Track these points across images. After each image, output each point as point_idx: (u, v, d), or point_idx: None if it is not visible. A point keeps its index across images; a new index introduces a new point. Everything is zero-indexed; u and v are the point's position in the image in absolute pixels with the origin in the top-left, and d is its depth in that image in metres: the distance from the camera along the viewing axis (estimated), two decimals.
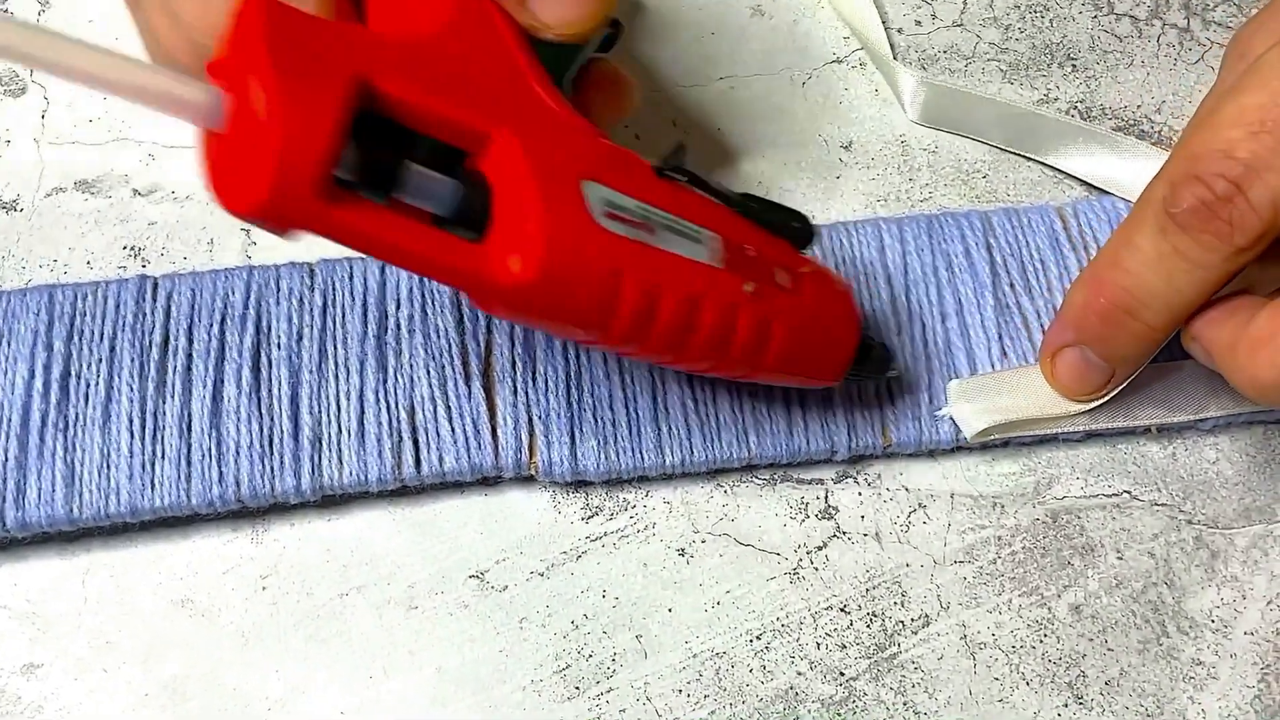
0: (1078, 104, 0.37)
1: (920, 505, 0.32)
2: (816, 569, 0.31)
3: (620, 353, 0.26)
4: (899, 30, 0.39)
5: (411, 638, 0.30)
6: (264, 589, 0.31)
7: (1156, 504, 0.32)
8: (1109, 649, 0.30)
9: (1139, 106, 0.37)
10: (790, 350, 0.27)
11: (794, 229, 0.28)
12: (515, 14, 0.25)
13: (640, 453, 0.31)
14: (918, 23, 0.39)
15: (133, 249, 0.34)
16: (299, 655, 0.30)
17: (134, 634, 0.30)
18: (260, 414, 0.31)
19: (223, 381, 0.31)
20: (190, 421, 0.31)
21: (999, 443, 0.32)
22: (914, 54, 0.38)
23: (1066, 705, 0.30)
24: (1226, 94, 0.26)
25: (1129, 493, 0.32)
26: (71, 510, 0.30)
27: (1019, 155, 0.36)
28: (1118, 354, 0.29)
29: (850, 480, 0.32)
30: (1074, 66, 0.38)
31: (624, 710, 0.30)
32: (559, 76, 0.27)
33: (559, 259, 0.23)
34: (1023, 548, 0.31)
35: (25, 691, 0.30)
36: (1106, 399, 0.31)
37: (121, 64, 0.20)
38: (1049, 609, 0.31)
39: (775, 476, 0.32)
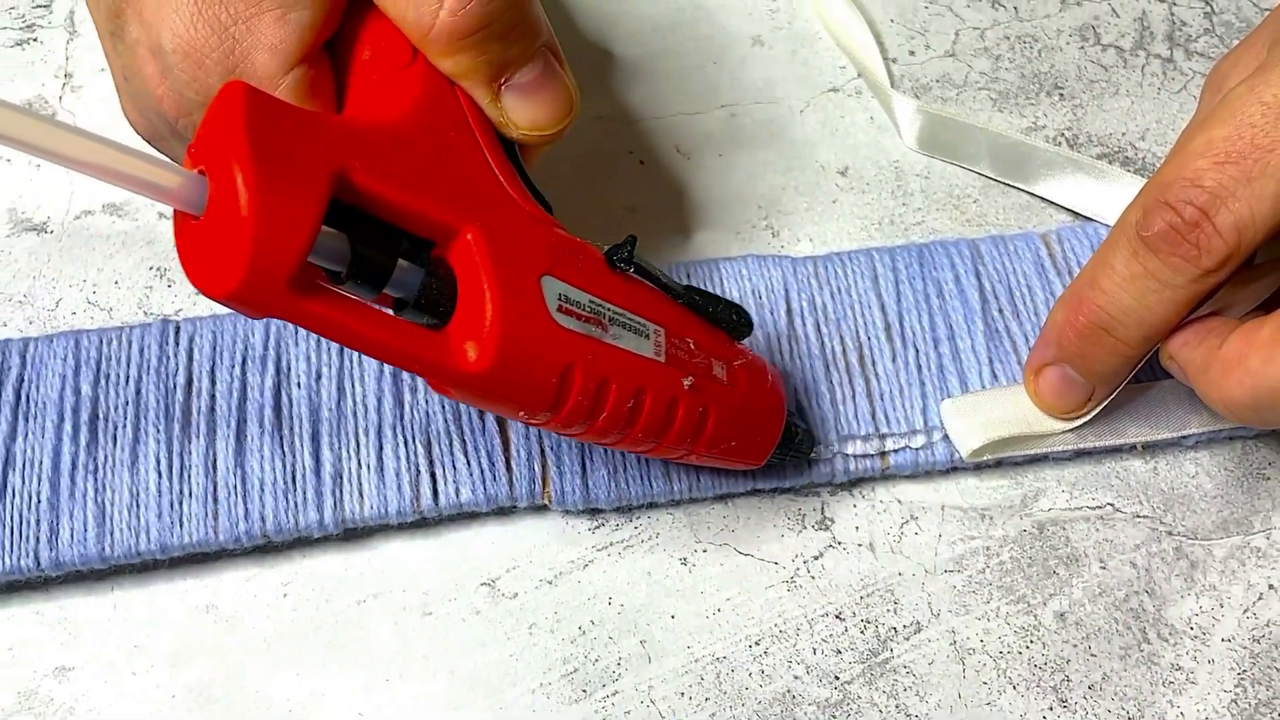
0: (1064, 131, 0.39)
1: (912, 517, 0.33)
2: (813, 577, 0.33)
3: (565, 434, 0.27)
4: (894, 60, 0.40)
5: (426, 643, 0.32)
6: (285, 596, 0.32)
7: (1139, 516, 0.33)
8: (1092, 655, 0.32)
9: (1124, 134, 0.39)
10: (722, 436, 0.28)
11: (733, 321, 0.29)
12: (487, 110, 0.27)
13: (649, 480, 0.33)
14: (911, 53, 0.40)
15: (159, 269, 0.36)
16: (318, 659, 0.31)
17: (161, 639, 0.32)
18: (283, 451, 0.32)
19: (245, 421, 0.32)
20: (215, 460, 0.32)
21: (991, 463, 0.34)
22: (908, 82, 0.40)
23: (1051, 709, 0.31)
24: (1198, 126, 0.28)
25: (1112, 505, 0.34)
26: (103, 549, 0.31)
27: (1008, 185, 0.38)
28: (1096, 370, 0.30)
29: (846, 493, 0.34)
30: (1061, 95, 0.40)
31: (629, 712, 0.31)
32: (523, 167, 0.28)
33: (513, 351, 0.24)
34: (1010, 558, 0.33)
35: (57, 693, 0.31)
36: (1089, 417, 0.32)
37: (103, 149, 0.20)
38: (1035, 616, 0.32)
39: (774, 489, 0.34)
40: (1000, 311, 0.35)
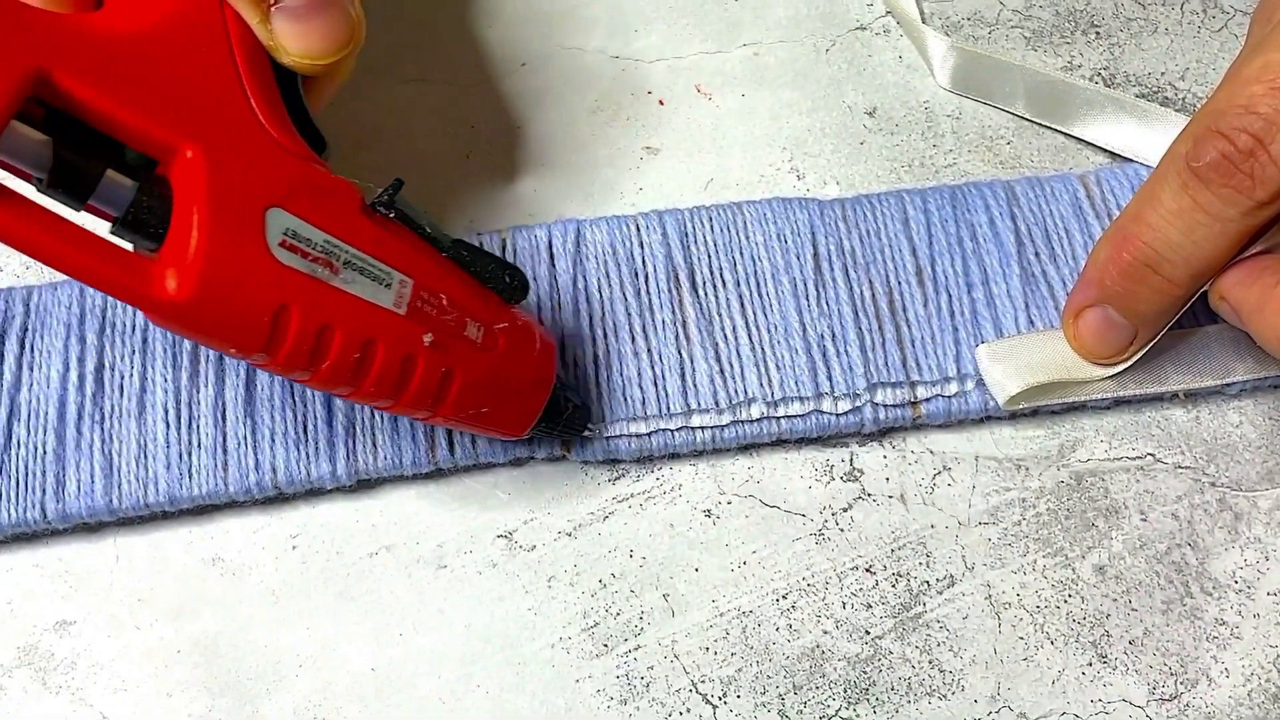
0: (1101, 71, 0.37)
1: (945, 468, 0.32)
2: (842, 530, 0.31)
3: (293, 379, 0.25)
4: None
5: (441, 596, 0.30)
6: (294, 548, 0.31)
7: (1180, 467, 0.32)
8: (1133, 609, 0.31)
9: (1163, 74, 0.38)
10: (470, 401, 0.27)
11: (505, 283, 0.27)
12: (256, 31, 0.24)
13: (671, 432, 0.31)
14: None
15: None
16: (329, 613, 0.30)
17: (165, 592, 0.30)
18: (294, 401, 0.31)
19: (255, 370, 0.31)
20: (224, 410, 0.31)
21: (1027, 412, 0.32)
22: (937, 21, 0.38)
23: (1090, 664, 0.30)
24: (1252, 51, 0.26)
25: (1153, 455, 0.32)
26: (111, 501, 0.30)
27: (1043, 126, 0.36)
28: (1140, 311, 0.29)
29: (875, 443, 0.32)
30: (1097, 34, 0.38)
31: (651, 667, 0.30)
32: (302, 100, 0.26)
33: (217, 282, 0.22)
34: (1047, 509, 0.32)
35: (58, 648, 0.30)
36: (1130, 363, 0.31)
37: None
38: (1073, 570, 0.31)
39: (802, 439, 0.32)
40: (1036, 255, 0.33)
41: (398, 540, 0.31)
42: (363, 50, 0.36)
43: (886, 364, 0.32)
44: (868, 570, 0.31)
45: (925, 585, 0.31)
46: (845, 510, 0.32)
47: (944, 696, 0.30)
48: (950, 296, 0.33)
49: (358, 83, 0.36)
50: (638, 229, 0.33)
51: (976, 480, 0.32)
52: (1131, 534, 0.31)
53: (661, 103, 0.37)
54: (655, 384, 0.31)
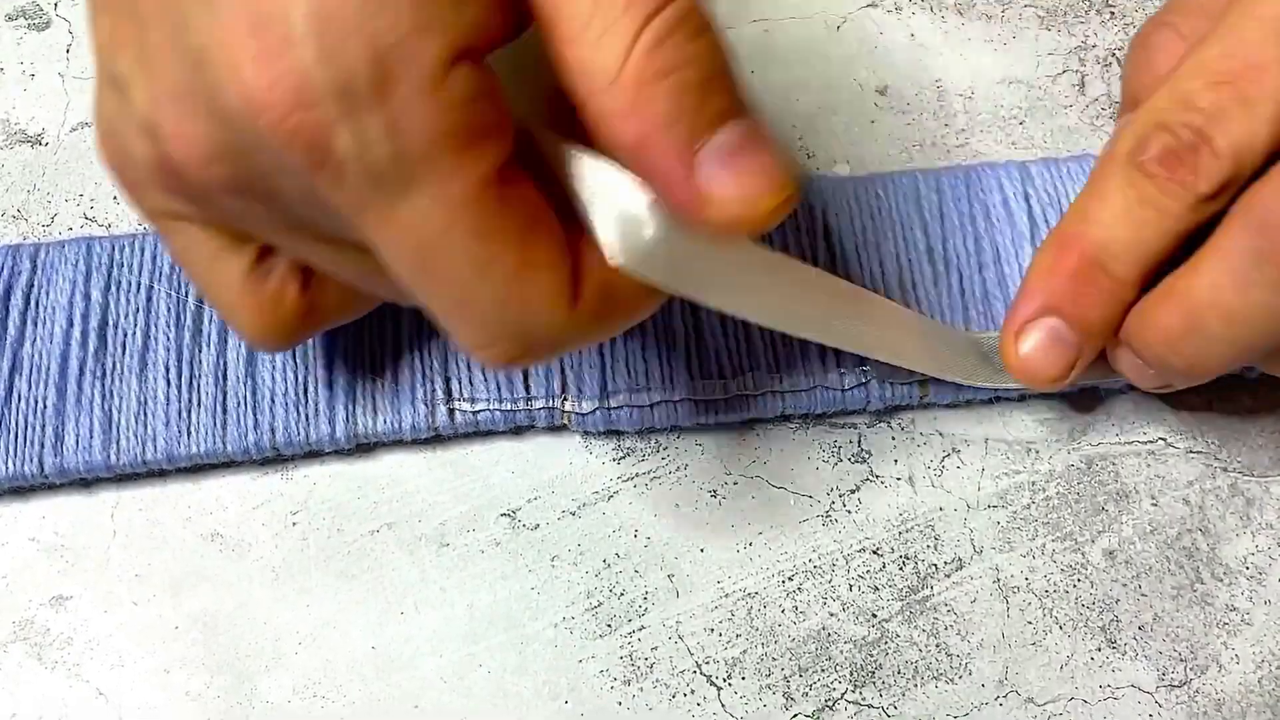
0: (1115, 51, 0.37)
1: (954, 450, 0.32)
2: (849, 512, 0.31)
3: None
4: None
5: (443, 575, 0.30)
6: (294, 524, 0.31)
7: (1192, 451, 0.32)
8: (1143, 594, 0.30)
9: None
10: None
11: None
12: (675, 190, 0.20)
13: (674, 405, 0.31)
14: None
15: None
16: (329, 591, 0.30)
17: (163, 567, 0.30)
18: (295, 363, 0.31)
19: None
20: (226, 370, 0.30)
21: (1035, 393, 0.32)
22: None
23: (1100, 649, 0.30)
24: (1192, 50, 0.26)
25: (1164, 440, 0.32)
26: (109, 457, 0.30)
27: (1058, 96, 0.36)
28: (1088, 318, 0.27)
29: (884, 424, 0.32)
30: (1112, 13, 0.38)
31: (656, 648, 0.29)
32: None
33: None
34: (1057, 493, 0.31)
35: (54, 623, 0.30)
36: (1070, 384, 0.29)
37: None
38: (1083, 554, 0.31)
39: (808, 420, 0.32)
40: None
41: (399, 518, 0.31)
42: None
43: None
44: (875, 552, 0.31)
45: (933, 568, 0.30)
46: (853, 492, 0.31)
47: (951, 680, 0.29)
48: (961, 275, 0.32)
49: None
50: None
51: (985, 463, 0.32)
52: (1142, 519, 0.31)
53: None
54: (659, 355, 0.31)
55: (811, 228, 0.32)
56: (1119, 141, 0.27)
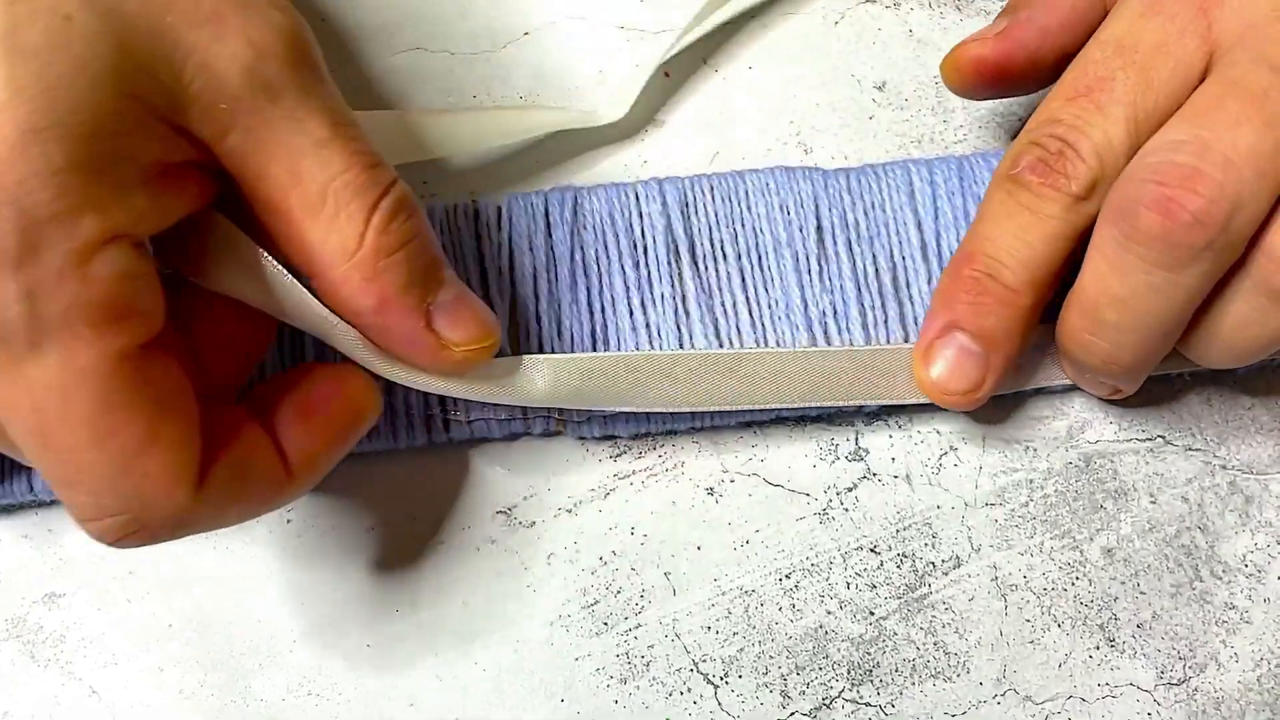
0: None
1: (952, 448, 0.32)
2: (846, 510, 0.31)
3: None
4: None
5: (438, 572, 0.30)
6: (289, 521, 0.30)
7: (1191, 449, 0.32)
8: (1141, 592, 0.30)
9: None
10: None
11: None
12: (418, 339, 0.25)
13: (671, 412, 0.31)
14: None
15: None
16: (324, 588, 0.30)
17: (157, 565, 0.30)
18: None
19: None
20: None
21: (1031, 392, 0.32)
22: None
23: (1098, 647, 0.30)
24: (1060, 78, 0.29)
25: (1163, 437, 0.32)
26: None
27: None
28: (989, 328, 0.28)
29: (881, 422, 0.32)
30: None
31: (652, 646, 0.29)
32: None
33: None
34: (1055, 491, 0.31)
35: (47, 621, 0.29)
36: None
37: None
38: (1081, 552, 0.30)
39: (805, 418, 0.32)
40: None
41: (394, 515, 0.31)
42: (359, 18, 0.35)
43: (889, 341, 0.31)
44: (872, 550, 0.30)
45: (931, 566, 0.30)
46: (850, 490, 0.31)
47: (949, 678, 0.29)
48: None
49: (353, 52, 0.35)
50: (637, 198, 0.32)
51: (983, 461, 0.31)
52: (1140, 516, 0.31)
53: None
54: None
55: (804, 223, 0.32)
56: (1000, 163, 0.29)
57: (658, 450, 0.31)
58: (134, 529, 0.22)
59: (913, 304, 0.32)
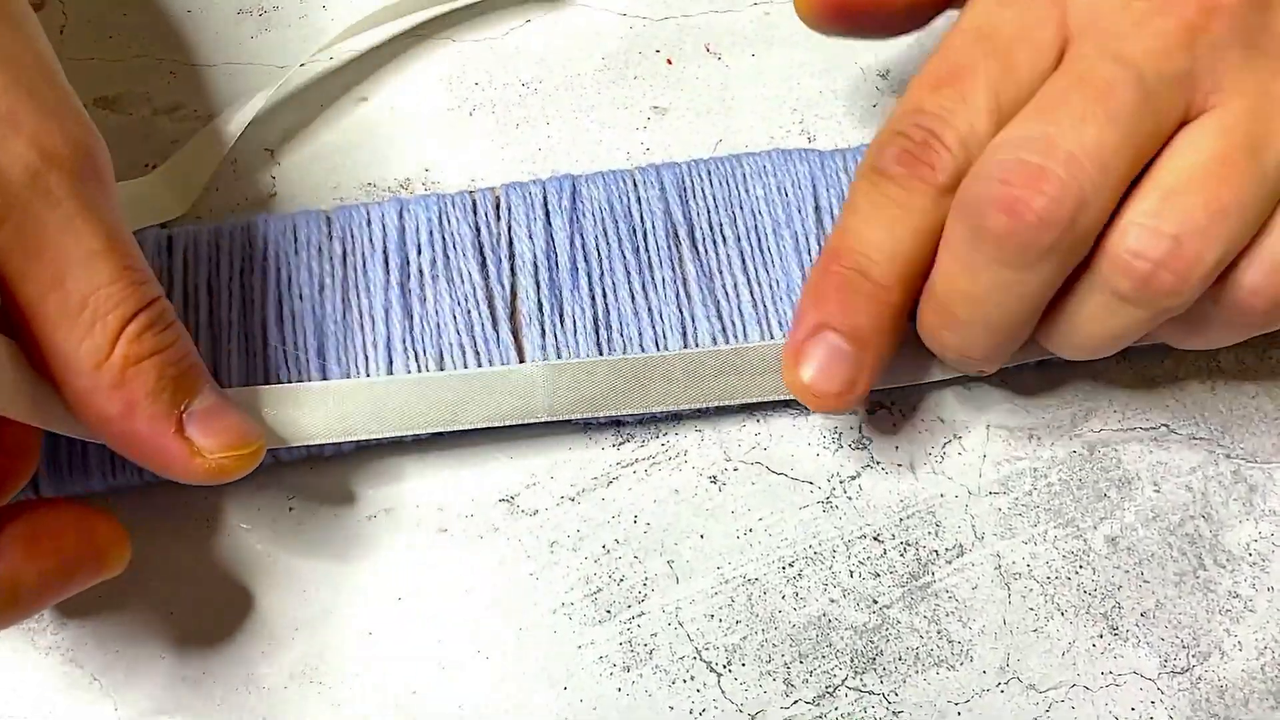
0: None
1: (955, 436, 0.32)
2: (850, 498, 0.31)
3: None
4: None
5: (441, 560, 0.30)
6: (290, 510, 0.30)
7: (1195, 438, 0.32)
8: (1145, 581, 0.30)
9: None
10: None
11: None
12: (168, 444, 0.25)
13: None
14: None
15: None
16: (326, 576, 0.30)
17: (158, 553, 0.30)
18: (287, 366, 0.30)
19: (247, 336, 0.30)
20: (216, 373, 0.30)
21: (1032, 379, 0.32)
22: None
23: (1101, 636, 0.30)
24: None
25: (1167, 426, 0.32)
26: (104, 473, 0.29)
27: None
28: (860, 326, 0.27)
29: (885, 411, 0.32)
30: None
31: (655, 634, 0.29)
32: None
33: None
34: (1059, 479, 0.31)
35: (46, 611, 0.29)
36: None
37: None
38: (1085, 540, 0.30)
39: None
40: None
41: (397, 503, 0.30)
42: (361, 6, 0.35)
43: None
44: (876, 539, 0.30)
45: (934, 555, 0.30)
46: (853, 478, 0.31)
47: (952, 667, 0.29)
48: None
49: (354, 41, 0.35)
50: (635, 184, 0.32)
51: (987, 449, 0.31)
52: (1144, 505, 0.31)
53: (670, 62, 0.36)
54: (656, 344, 0.31)
55: (802, 204, 0.32)
56: (865, 154, 0.28)
57: (661, 439, 0.31)
58: None
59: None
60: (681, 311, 0.31)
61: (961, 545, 0.30)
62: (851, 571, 0.30)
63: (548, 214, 0.32)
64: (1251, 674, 0.29)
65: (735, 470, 0.31)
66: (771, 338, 0.31)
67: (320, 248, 0.31)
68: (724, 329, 0.31)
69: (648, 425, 0.31)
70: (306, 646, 0.29)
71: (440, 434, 0.31)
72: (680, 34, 0.36)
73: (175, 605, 0.29)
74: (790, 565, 0.30)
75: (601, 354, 0.30)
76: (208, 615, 0.29)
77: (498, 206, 0.32)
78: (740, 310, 0.31)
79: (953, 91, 0.26)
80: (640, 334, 0.31)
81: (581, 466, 0.31)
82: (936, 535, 0.30)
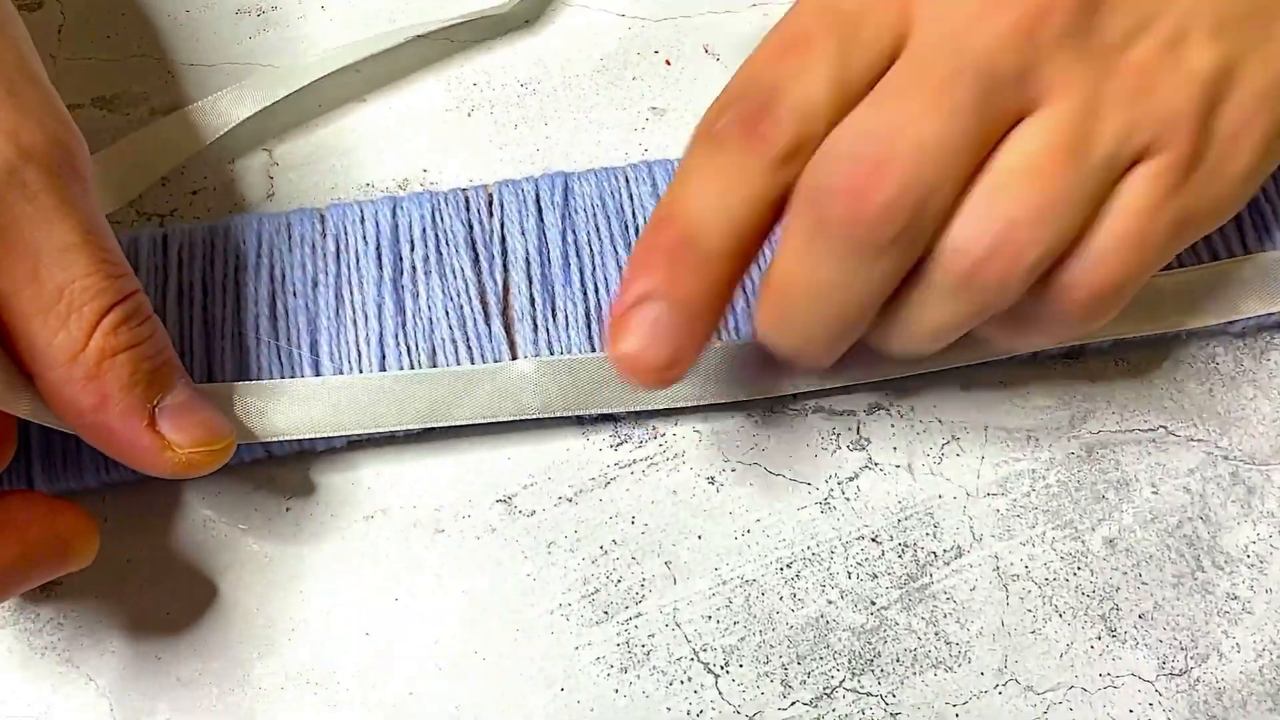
0: None
1: (954, 437, 0.31)
2: (848, 499, 0.31)
3: None
4: None
5: (438, 561, 0.30)
6: (287, 510, 0.30)
7: (1193, 439, 0.32)
8: (1143, 583, 0.30)
9: None
10: None
11: None
12: (137, 439, 0.26)
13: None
14: None
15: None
16: (323, 577, 0.30)
17: (155, 553, 0.30)
18: (280, 363, 0.30)
19: (241, 332, 0.30)
20: (210, 369, 0.30)
21: (1032, 381, 0.32)
22: None
23: (1100, 638, 0.29)
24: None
25: (1165, 428, 0.32)
26: (98, 469, 0.29)
27: None
28: (685, 296, 0.26)
29: (883, 411, 0.32)
30: None
31: (653, 635, 0.29)
32: None
33: None
34: (1057, 481, 0.31)
35: (44, 608, 0.29)
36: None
37: None
38: (1083, 542, 0.30)
39: (806, 407, 0.32)
40: None
41: (394, 504, 0.30)
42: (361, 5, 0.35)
43: None
44: (874, 540, 0.30)
45: (932, 556, 0.30)
46: (851, 479, 0.31)
47: (950, 668, 0.29)
48: None
49: (354, 39, 0.35)
50: (627, 180, 0.32)
51: (985, 450, 0.31)
52: (1142, 507, 0.31)
53: (669, 63, 0.36)
54: None
55: None
56: (699, 123, 0.27)
57: (658, 439, 0.31)
58: None
59: None
60: None
61: (959, 547, 0.30)
62: (849, 573, 0.30)
63: (540, 210, 0.32)
64: (1250, 676, 0.29)
65: (733, 471, 0.31)
66: None
67: (314, 245, 0.31)
68: (724, 323, 0.31)
69: (645, 426, 0.31)
70: (303, 647, 0.29)
71: (437, 434, 0.31)
72: (679, 35, 0.36)
73: (171, 606, 0.29)
74: (788, 566, 0.30)
75: (594, 350, 0.30)
76: (204, 616, 0.29)
77: (490, 203, 0.32)
78: (733, 306, 0.31)
79: (793, 61, 0.25)
80: None
81: (579, 467, 0.31)
82: (934, 536, 0.30)
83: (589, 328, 0.31)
